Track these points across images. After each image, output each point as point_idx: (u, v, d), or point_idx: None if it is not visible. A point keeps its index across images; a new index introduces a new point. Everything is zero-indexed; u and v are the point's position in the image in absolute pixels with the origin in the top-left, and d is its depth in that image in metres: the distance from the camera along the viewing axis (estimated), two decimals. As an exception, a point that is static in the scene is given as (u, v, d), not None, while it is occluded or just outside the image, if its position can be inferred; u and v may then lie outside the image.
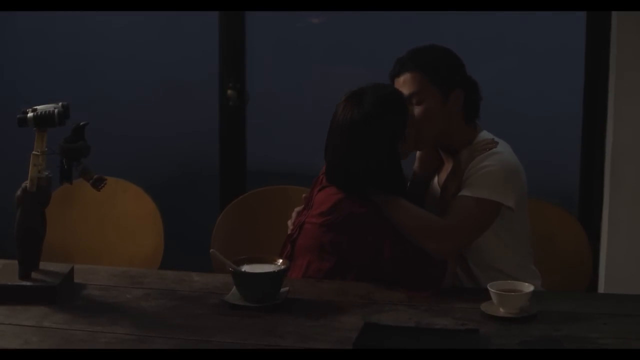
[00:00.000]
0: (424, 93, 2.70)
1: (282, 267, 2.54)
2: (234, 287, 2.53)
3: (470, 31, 4.06)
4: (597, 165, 3.78)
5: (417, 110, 2.71)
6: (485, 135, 2.78)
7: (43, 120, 2.50)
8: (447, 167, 2.81)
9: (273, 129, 4.34)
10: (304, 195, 2.84)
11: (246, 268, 2.52)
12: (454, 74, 2.74)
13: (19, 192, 2.54)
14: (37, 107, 2.53)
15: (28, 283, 2.53)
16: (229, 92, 4.07)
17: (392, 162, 2.65)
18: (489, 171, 2.66)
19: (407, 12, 3.99)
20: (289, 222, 2.83)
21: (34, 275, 2.56)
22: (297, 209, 2.83)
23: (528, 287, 2.44)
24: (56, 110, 2.50)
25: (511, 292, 2.43)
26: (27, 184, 2.53)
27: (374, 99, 2.63)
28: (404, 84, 2.73)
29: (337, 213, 2.63)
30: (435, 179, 2.87)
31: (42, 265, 2.60)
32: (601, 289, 3.72)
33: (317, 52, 4.44)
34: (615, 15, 3.61)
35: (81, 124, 2.56)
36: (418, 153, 2.90)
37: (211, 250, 2.64)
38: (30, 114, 2.51)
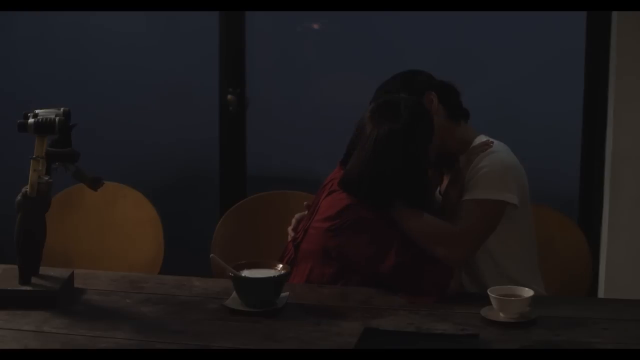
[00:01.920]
0: None
1: (283, 272, 2.54)
2: (234, 292, 2.53)
3: (470, 37, 4.07)
4: (597, 170, 3.78)
5: None
6: (482, 139, 2.78)
7: (43, 128, 2.50)
8: (448, 176, 2.81)
9: (273, 134, 4.34)
10: (305, 202, 2.83)
11: (246, 273, 2.52)
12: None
13: (19, 197, 2.54)
14: (38, 111, 2.53)
15: (28, 288, 2.53)
16: (229, 97, 4.08)
17: (424, 174, 2.65)
18: (487, 171, 2.67)
19: (406, 17, 3.99)
20: (289, 229, 2.82)
21: (34, 280, 2.56)
22: (297, 216, 2.83)
23: (528, 292, 2.44)
24: (57, 118, 2.50)
25: (511, 297, 2.43)
26: (27, 188, 2.53)
27: (409, 111, 2.61)
28: None
29: (345, 217, 2.62)
30: (438, 189, 2.87)
31: (42, 270, 2.60)
32: (601, 294, 3.72)
33: (317, 57, 4.45)
34: (615, 16, 3.60)
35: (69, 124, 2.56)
36: None
37: (211, 255, 2.64)
38: (30, 120, 2.50)
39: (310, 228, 2.70)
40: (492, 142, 2.74)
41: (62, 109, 2.54)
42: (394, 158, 2.59)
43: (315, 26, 4.42)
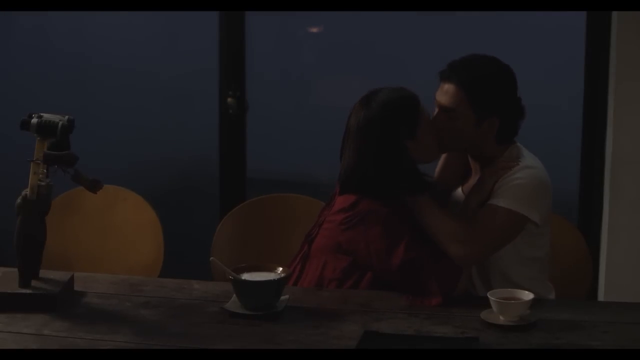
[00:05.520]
0: (459, 112, 2.67)
1: (282, 275, 2.54)
2: (234, 295, 2.53)
3: (469, 38, 4.07)
4: (597, 173, 3.78)
5: (447, 123, 2.69)
6: (513, 149, 2.75)
7: (45, 129, 2.50)
8: (474, 177, 2.80)
9: (273, 137, 4.34)
10: None
11: (246, 276, 2.52)
12: (495, 99, 2.69)
13: (19, 200, 2.54)
14: (43, 114, 2.53)
15: (28, 291, 2.53)
16: (229, 100, 4.08)
17: (400, 161, 2.65)
18: (520, 184, 2.66)
19: (405, 18, 3.99)
20: None
21: (34, 283, 2.56)
22: None
23: (528, 295, 2.43)
24: (60, 123, 2.50)
25: (511, 300, 2.43)
26: (27, 191, 2.53)
27: (381, 101, 2.65)
28: (446, 93, 2.69)
29: (358, 209, 2.63)
30: (460, 188, 2.86)
31: (42, 273, 2.60)
32: (601, 297, 3.72)
33: (317, 61, 4.45)
34: (615, 17, 3.60)
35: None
36: (443, 158, 2.90)
37: (211, 258, 2.64)
38: (34, 120, 2.51)
39: (325, 222, 2.70)
40: (519, 162, 2.71)
41: (66, 117, 2.54)
42: (368, 147, 2.63)
43: (315, 30, 4.42)
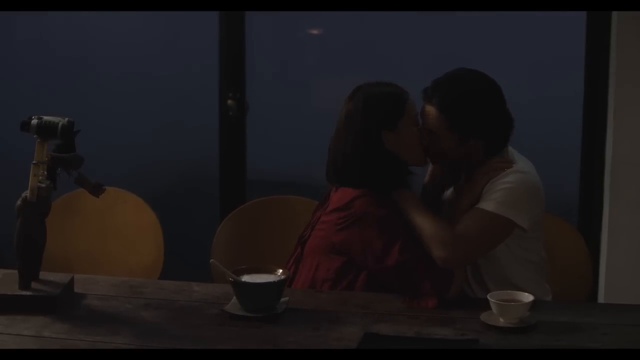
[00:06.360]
0: (441, 135, 2.66)
1: (282, 277, 2.54)
2: (234, 297, 2.53)
3: (468, 40, 4.07)
4: (597, 175, 3.78)
5: (431, 143, 2.68)
6: (507, 153, 2.75)
7: (45, 130, 2.51)
8: (467, 177, 2.79)
9: (273, 138, 4.34)
10: None
11: (246, 278, 2.52)
12: (477, 121, 2.66)
13: (19, 202, 2.54)
14: (43, 116, 2.54)
15: (28, 293, 2.53)
16: (229, 102, 4.08)
17: (376, 149, 2.65)
18: (509, 188, 2.64)
19: (405, 19, 3.99)
20: None
21: (34, 285, 2.56)
22: None
23: (528, 297, 2.44)
24: (60, 124, 2.51)
25: (511, 302, 2.43)
26: (27, 193, 2.53)
27: (366, 92, 2.68)
28: (427, 115, 2.68)
29: (353, 210, 2.63)
30: (452, 187, 2.86)
31: (42, 275, 2.60)
32: (601, 299, 3.72)
33: (317, 62, 4.45)
34: (615, 16, 3.60)
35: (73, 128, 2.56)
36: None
37: (211, 260, 2.64)
38: (34, 121, 2.51)
39: (319, 222, 2.71)
40: (512, 164, 2.70)
41: (66, 119, 2.54)
42: (348, 134, 2.66)
43: (316, 31, 4.42)
